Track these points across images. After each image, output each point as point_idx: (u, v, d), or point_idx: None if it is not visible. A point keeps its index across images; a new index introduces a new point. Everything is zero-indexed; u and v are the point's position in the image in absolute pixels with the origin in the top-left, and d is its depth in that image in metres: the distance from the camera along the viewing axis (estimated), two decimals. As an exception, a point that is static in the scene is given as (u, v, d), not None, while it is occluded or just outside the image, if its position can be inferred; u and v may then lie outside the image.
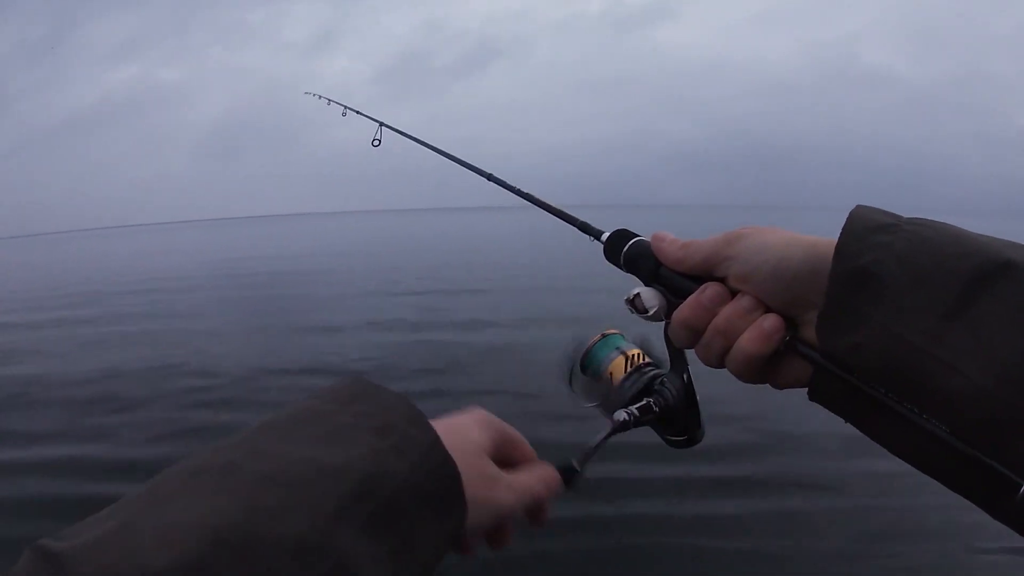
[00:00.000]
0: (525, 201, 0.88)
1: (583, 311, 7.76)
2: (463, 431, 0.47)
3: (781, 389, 0.51)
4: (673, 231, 0.57)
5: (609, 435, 0.55)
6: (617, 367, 0.59)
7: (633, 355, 0.60)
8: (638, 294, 0.56)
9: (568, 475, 0.52)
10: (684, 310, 0.52)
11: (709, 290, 0.51)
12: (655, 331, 0.60)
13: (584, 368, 0.62)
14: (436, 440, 0.41)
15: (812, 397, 0.48)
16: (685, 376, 0.57)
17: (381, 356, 6.42)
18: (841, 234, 0.44)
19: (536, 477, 0.50)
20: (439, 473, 0.40)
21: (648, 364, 0.60)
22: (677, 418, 0.57)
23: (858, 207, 0.46)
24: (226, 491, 0.31)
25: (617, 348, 0.61)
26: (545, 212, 0.84)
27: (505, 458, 0.50)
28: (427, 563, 0.38)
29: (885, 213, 0.45)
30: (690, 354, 0.56)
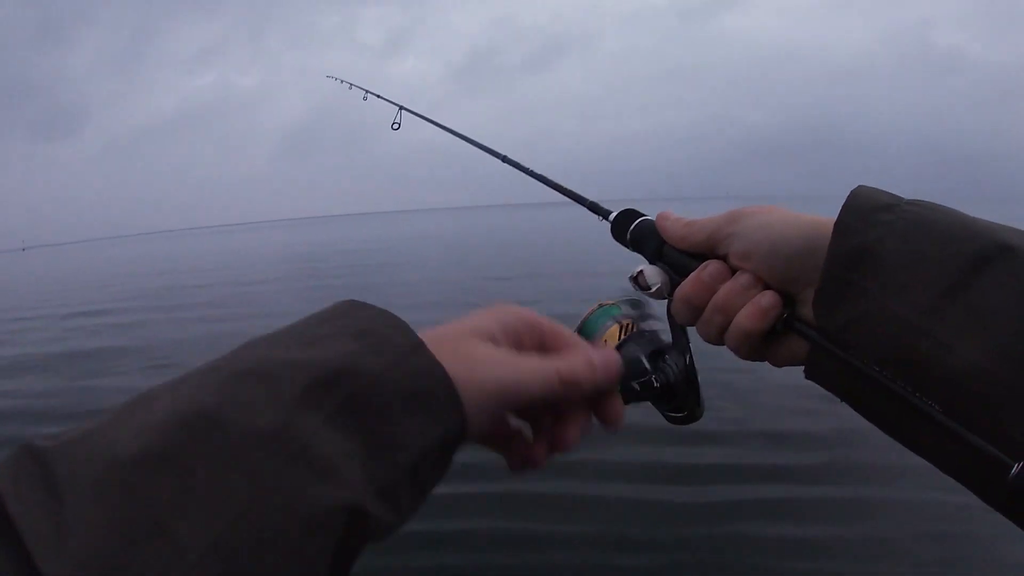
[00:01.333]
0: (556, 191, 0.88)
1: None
2: (457, 323, 0.42)
3: (779, 367, 0.52)
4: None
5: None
6: (612, 335, 0.61)
7: (627, 323, 0.61)
8: (641, 271, 0.57)
9: (635, 368, 0.48)
10: (685, 287, 0.53)
11: (710, 267, 0.52)
12: (659, 309, 0.61)
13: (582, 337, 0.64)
14: (420, 344, 0.37)
15: (808, 375, 0.48)
16: (687, 354, 0.58)
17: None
18: (841, 212, 0.45)
19: (573, 356, 0.42)
20: (420, 371, 0.36)
21: (642, 332, 0.61)
22: (677, 395, 0.58)
23: (859, 187, 0.46)
24: (201, 387, 0.32)
25: (612, 317, 0.62)
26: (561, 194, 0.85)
27: (531, 345, 0.43)
28: (415, 465, 0.35)
29: (886, 193, 0.46)
30: (692, 332, 0.57)
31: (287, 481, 0.30)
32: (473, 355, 0.39)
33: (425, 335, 0.38)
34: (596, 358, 0.43)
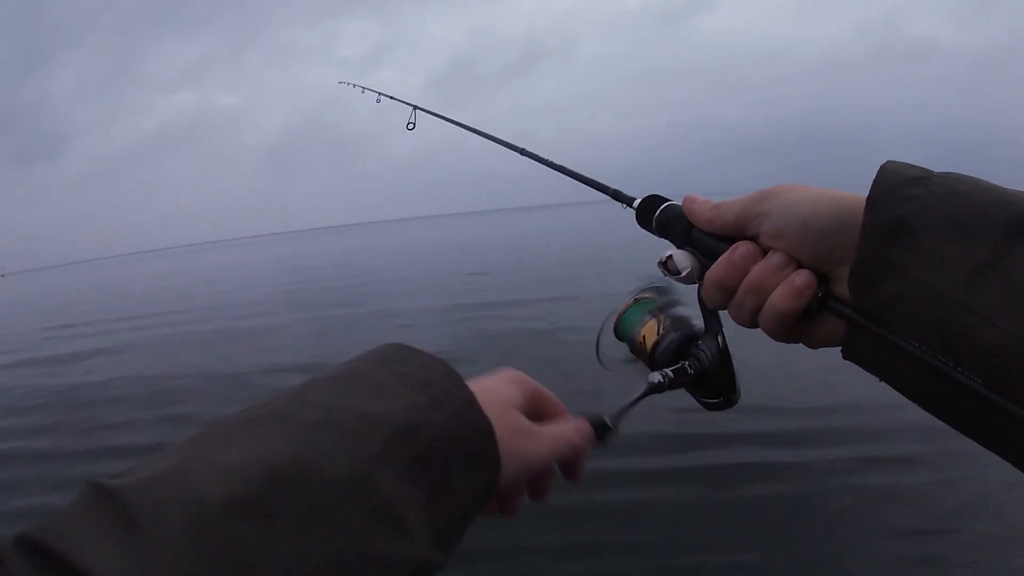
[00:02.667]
0: (579, 182, 0.86)
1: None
2: (494, 388, 0.48)
3: (816, 348, 0.51)
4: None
5: (643, 396, 0.56)
6: (649, 330, 0.60)
7: (664, 318, 0.60)
8: (670, 256, 0.56)
9: (600, 430, 0.53)
10: (716, 269, 0.52)
11: (740, 248, 0.51)
12: (689, 295, 0.60)
13: (618, 334, 0.63)
14: (471, 397, 0.42)
15: (846, 356, 0.47)
16: (720, 338, 0.58)
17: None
18: (872, 186, 0.44)
19: (570, 428, 0.51)
20: (475, 427, 0.41)
21: (677, 323, 0.60)
22: (712, 380, 0.58)
23: (888, 162, 0.45)
24: (280, 434, 0.33)
25: (649, 312, 0.61)
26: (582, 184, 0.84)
27: (536, 413, 0.51)
28: (464, 513, 0.40)
29: (916, 167, 0.44)
30: (724, 317, 0.57)
31: (368, 532, 0.32)
32: (524, 430, 0.47)
33: (473, 388, 0.44)
34: (584, 432, 0.51)
